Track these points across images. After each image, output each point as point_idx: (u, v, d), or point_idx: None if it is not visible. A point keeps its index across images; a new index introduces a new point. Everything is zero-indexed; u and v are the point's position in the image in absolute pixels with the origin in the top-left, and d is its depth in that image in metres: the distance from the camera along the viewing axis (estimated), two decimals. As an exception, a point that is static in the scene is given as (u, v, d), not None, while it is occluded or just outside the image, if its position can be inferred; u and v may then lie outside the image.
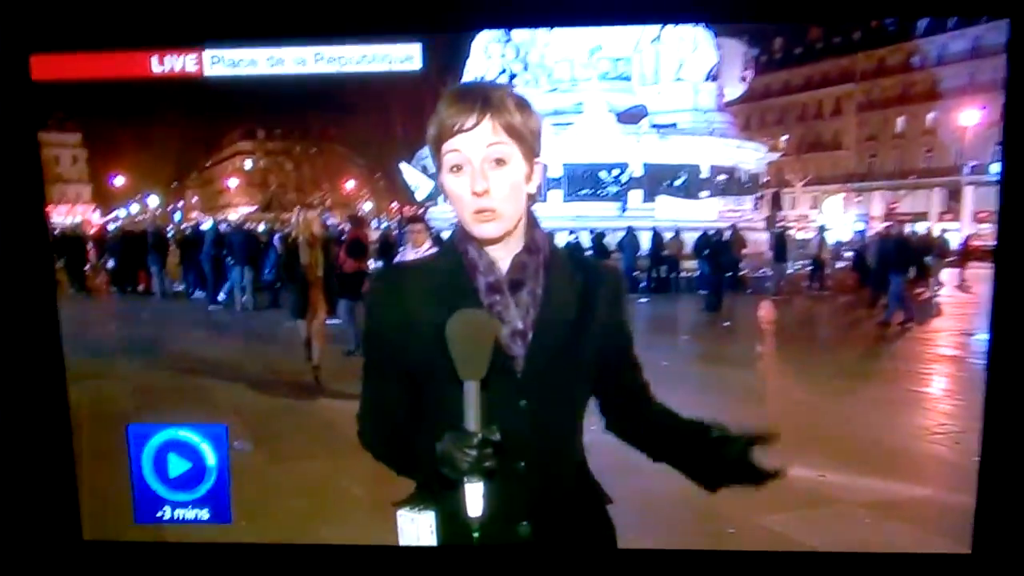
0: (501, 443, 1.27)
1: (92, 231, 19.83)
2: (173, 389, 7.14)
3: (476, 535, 1.31)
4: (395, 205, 46.56)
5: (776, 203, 26.54)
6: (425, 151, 12.10)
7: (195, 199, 76.52)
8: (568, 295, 1.42)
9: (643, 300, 15.72)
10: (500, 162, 1.34)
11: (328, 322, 7.83)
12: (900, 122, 38.07)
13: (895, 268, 12.01)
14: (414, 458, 1.39)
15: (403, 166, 22.27)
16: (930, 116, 36.50)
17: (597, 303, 1.43)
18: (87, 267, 15.99)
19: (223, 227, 15.92)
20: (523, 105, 1.37)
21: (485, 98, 1.34)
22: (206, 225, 19.08)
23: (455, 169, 1.36)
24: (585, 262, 1.49)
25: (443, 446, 1.29)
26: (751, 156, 23.48)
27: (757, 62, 26.80)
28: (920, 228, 23.49)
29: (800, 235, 23.22)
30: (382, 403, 1.46)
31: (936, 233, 20.58)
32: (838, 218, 30.67)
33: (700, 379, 7.82)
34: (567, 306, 1.41)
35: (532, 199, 1.41)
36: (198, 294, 15.32)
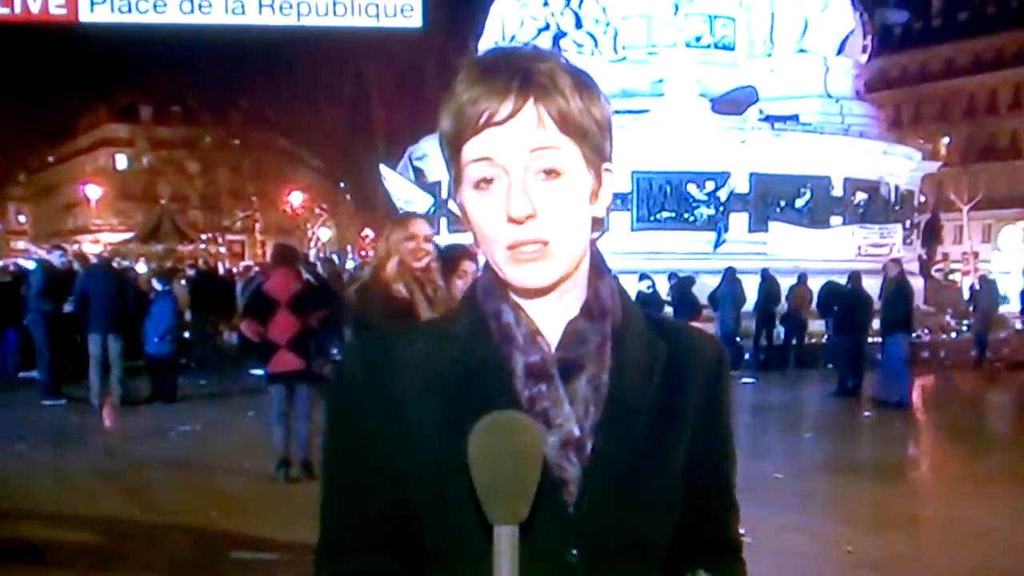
0: None
1: None
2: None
3: None
4: (368, 233, 39.60)
5: (933, 233, 20.63)
6: (419, 148, 19.86)
7: (22, 218, 60.77)
8: (647, 384, 1.09)
9: (748, 380, 13.24)
10: (552, 172, 1.00)
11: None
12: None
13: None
14: None
15: (384, 171, 17.05)
16: None
17: (688, 396, 1.11)
18: None
19: (61, 262, 11.96)
20: (583, 83, 1.02)
21: (526, 73, 0.99)
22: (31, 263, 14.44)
23: (482, 184, 1.00)
24: (670, 330, 1.14)
25: None
26: (901, 166, 19.44)
27: (908, 30, 20.96)
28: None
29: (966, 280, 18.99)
30: (353, 550, 1.09)
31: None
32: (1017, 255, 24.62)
33: (826, 498, 6.95)
34: (645, 401, 1.09)
35: (599, 227, 1.08)
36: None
